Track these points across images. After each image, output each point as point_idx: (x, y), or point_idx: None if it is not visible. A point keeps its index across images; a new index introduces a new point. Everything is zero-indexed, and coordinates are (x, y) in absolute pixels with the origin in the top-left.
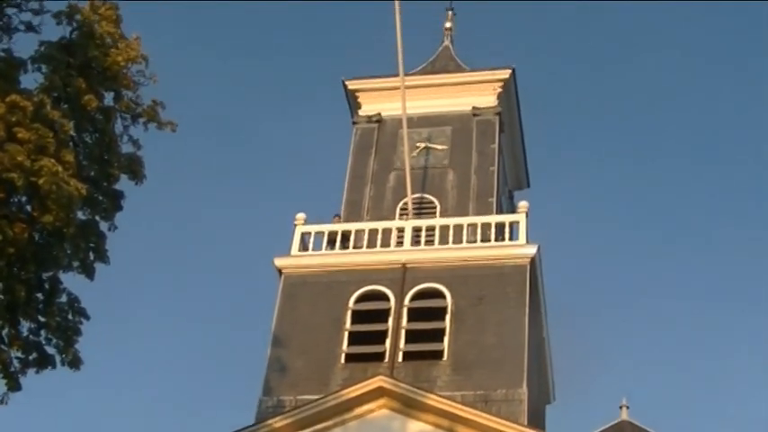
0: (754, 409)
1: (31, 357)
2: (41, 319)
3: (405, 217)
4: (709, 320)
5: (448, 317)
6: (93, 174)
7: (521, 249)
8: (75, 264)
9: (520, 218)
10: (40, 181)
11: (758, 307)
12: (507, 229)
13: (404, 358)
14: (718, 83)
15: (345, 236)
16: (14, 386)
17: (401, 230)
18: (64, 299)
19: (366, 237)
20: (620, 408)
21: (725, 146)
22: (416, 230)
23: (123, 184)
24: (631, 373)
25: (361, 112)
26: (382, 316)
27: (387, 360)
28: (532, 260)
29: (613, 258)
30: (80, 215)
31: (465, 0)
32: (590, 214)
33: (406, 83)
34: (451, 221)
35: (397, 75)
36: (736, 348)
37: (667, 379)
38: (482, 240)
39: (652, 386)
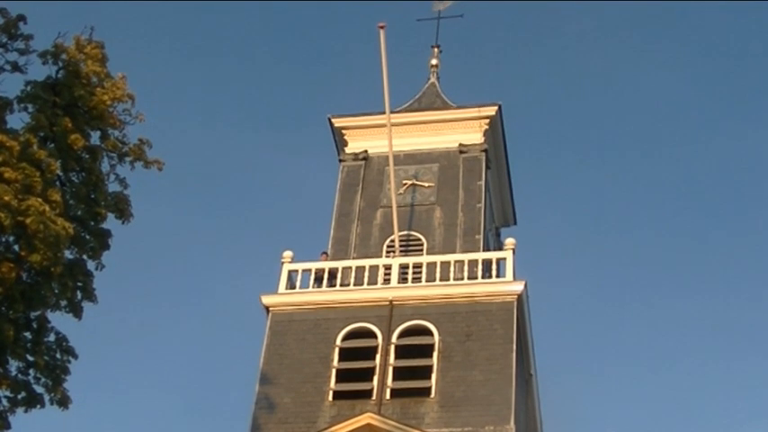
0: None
1: (19, 396)
2: (30, 358)
3: (392, 254)
4: (702, 357)
5: (435, 354)
6: (80, 213)
7: (508, 286)
8: (63, 303)
9: (507, 255)
10: (28, 220)
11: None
12: (494, 266)
13: (391, 395)
14: (709, 113)
15: (332, 273)
16: (3, 425)
17: (388, 268)
18: (52, 338)
19: (353, 274)
20: None
21: (715, 190)
22: (403, 267)
23: (110, 222)
24: (620, 410)
25: (347, 150)
26: (370, 353)
27: (374, 397)
28: (519, 297)
29: (602, 295)
30: (67, 254)
31: (450, 37)
32: (578, 250)
33: (393, 120)
34: (438, 258)
35: (383, 112)
36: (721, 395)
37: (653, 414)
38: (469, 277)
39: (640, 421)
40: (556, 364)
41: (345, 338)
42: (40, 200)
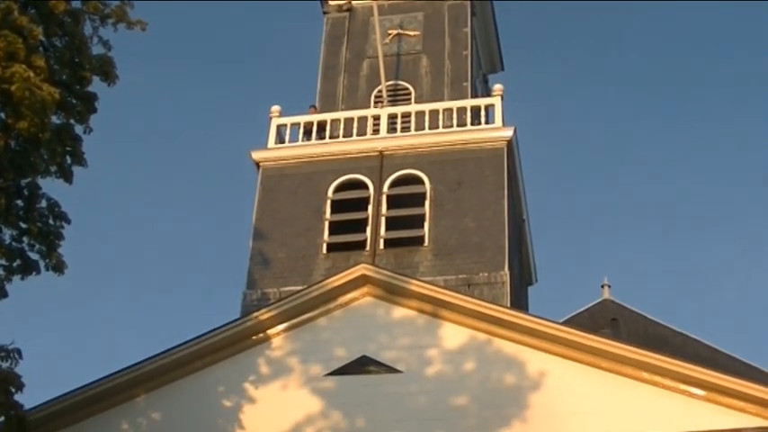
0: (734, 284)
1: (14, 264)
2: (23, 225)
3: (380, 105)
4: (690, 199)
5: (427, 202)
6: (64, 77)
7: (497, 132)
8: (53, 169)
9: (495, 101)
10: (13, 87)
11: (739, 185)
12: (483, 113)
13: (385, 245)
14: None
15: (321, 126)
16: (0, 294)
17: (377, 118)
18: (44, 204)
19: (342, 126)
20: (602, 287)
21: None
22: (392, 118)
23: (96, 86)
24: (613, 253)
25: (331, 2)
26: (362, 204)
27: (368, 248)
28: (509, 143)
29: (592, 139)
30: (54, 120)
31: None
32: (566, 95)
33: None
34: (427, 107)
35: None
36: (717, 227)
37: (648, 258)
38: (458, 125)
39: (634, 265)
40: (548, 209)
41: (337, 190)
42: (23, 66)
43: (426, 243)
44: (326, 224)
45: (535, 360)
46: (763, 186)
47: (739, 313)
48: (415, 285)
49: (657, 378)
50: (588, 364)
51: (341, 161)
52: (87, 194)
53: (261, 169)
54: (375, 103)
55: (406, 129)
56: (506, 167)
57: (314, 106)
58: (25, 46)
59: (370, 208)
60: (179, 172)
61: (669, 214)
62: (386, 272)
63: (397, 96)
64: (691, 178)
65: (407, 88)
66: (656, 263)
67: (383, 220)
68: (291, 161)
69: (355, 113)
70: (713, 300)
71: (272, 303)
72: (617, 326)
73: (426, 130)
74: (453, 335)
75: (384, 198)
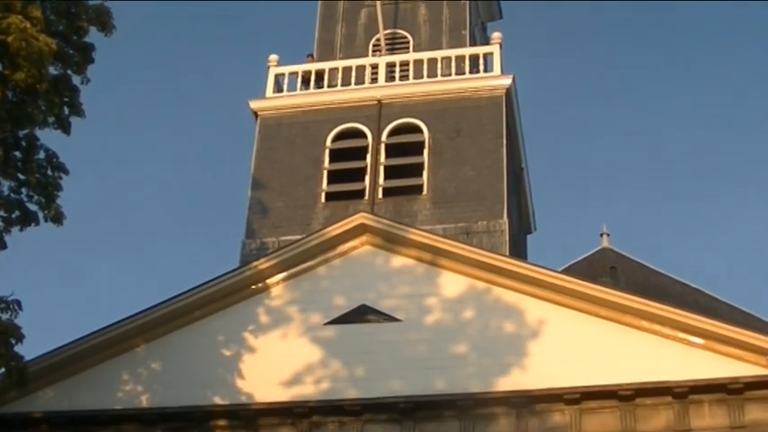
0: (734, 233)
1: (13, 216)
2: (21, 176)
3: (378, 53)
4: (689, 147)
5: (426, 151)
6: (61, 28)
7: (496, 80)
8: (51, 119)
9: (494, 49)
10: (9, 38)
11: (740, 132)
12: (481, 62)
13: (384, 194)
14: None
15: (319, 75)
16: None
17: (375, 67)
18: (42, 155)
19: (340, 75)
20: (601, 236)
21: None
22: (390, 66)
23: (93, 36)
24: (612, 202)
25: None
26: (360, 153)
27: (367, 197)
28: (508, 91)
29: (591, 88)
30: (52, 70)
31: None
32: (565, 44)
33: None
34: (425, 56)
35: None
36: (717, 176)
37: (648, 206)
38: (456, 73)
39: (633, 214)
40: (547, 158)
41: (335, 139)
42: (20, 17)
43: (425, 192)
44: (325, 173)
45: (534, 308)
46: (764, 133)
47: (739, 262)
48: (414, 234)
49: (656, 327)
50: (587, 312)
51: (339, 110)
52: (85, 145)
53: (259, 119)
54: (373, 51)
55: (404, 77)
56: (505, 116)
57: (311, 55)
58: None
59: (368, 157)
60: (177, 122)
61: (669, 163)
62: (385, 221)
63: (395, 45)
64: (690, 126)
65: (405, 37)
66: (655, 211)
67: (382, 168)
68: (290, 110)
69: (353, 62)
70: (713, 249)
71: (271, 252)
72: (616, 274)
73: (425, 79)
74: (452, 283)
75: (382, 147)
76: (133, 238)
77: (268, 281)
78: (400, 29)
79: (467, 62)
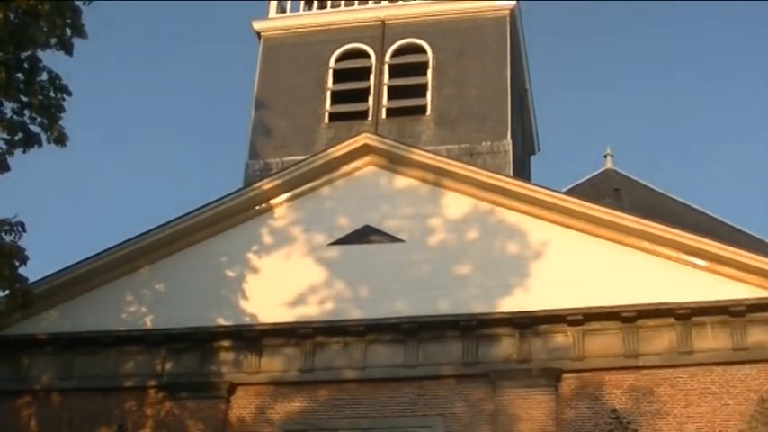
0: (738, 155)
1: (16, 138)
2: (24, 98)
3: None
4: (693, 68)
5: (429, 72)
6: None
7: (500, 1)
8: (53, 41)
9: None
10: None
11: (742, 53)
12: None
13: (387, 115)
14: None
15: None
16: (2, 167)
17: None
18: (44, 77)
19: None
20: (605, 157)
21: None
22: None
23: None
24: (616, 123)
25: None
26: (364, 74)
27: (371, 118)
28: (512, 11)
29: (597, 9)
30: None
31: None
32: None
33: None
34: None
35: None
36: (721, 96)
37: (651, 127)
38: None
39: (637, 135)
40: (551, 80)
41: (339, 60)
42: None
43: (428, 112)
44: (328, 94)
45: (537, 229)
46: (765, 56)
47: (742, 184)
48: (418, 155)
49: (659, 248)
50: (590, 233)
51: (342, 30)
52: (88, 66)
53: (262, 39)
54: None
55: None
56: (509, 36)
57: None
58: None
59: (371, 77)
60: (181, 42)
61: (672, 83)
62: (388, 141)
63: None
64: (694, 46)
65: None
66: (659, 132)
67: (385, 89)
68: (293, 31)
69: None
70: (716, 170)
71: (275, 173)
72: (619, 196)
73: None
74: (456, 204)
75: (386, 67)
76: (136, 160)
77: (271, 201)
78: None
79: None
